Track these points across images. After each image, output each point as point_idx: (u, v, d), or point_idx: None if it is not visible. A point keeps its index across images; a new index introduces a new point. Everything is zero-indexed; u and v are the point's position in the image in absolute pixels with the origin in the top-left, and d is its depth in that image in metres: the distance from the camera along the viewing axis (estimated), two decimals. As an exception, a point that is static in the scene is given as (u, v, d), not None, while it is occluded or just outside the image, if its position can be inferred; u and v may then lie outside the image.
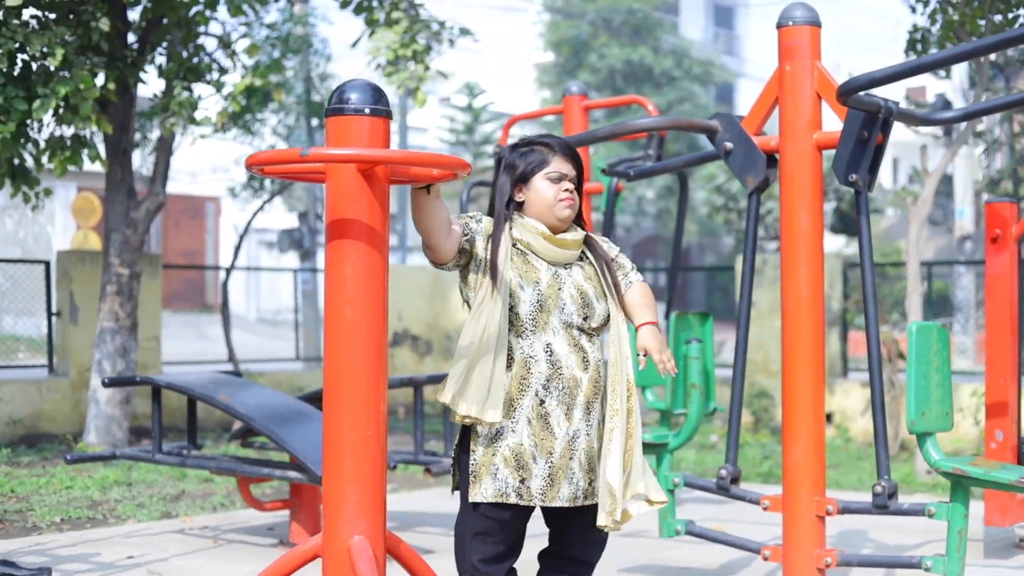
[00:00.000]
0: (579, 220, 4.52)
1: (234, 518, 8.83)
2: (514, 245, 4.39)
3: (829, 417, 14.42)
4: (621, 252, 4.63)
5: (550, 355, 4.29)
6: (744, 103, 46.89)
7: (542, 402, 4.26)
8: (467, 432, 4.33)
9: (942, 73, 21.88)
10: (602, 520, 4.27)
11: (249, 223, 15.16)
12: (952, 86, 23.75)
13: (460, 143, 32.79)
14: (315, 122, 18.23)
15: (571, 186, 4.40)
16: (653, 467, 6.40)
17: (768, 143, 5.78)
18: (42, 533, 8.12)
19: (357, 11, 12.01)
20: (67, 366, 13.16)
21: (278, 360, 18.40)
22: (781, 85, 5.69)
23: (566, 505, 4.29)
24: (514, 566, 4.42)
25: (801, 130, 5.62)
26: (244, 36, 12.41)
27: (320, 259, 21.82)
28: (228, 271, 15.18)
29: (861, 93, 5.28)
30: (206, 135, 12.82)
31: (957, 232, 23.20)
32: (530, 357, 4.28)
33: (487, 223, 4.38)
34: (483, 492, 4.25)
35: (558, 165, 4.41)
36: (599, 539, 4.48)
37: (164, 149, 12.40)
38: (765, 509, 5.73)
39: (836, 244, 31.95)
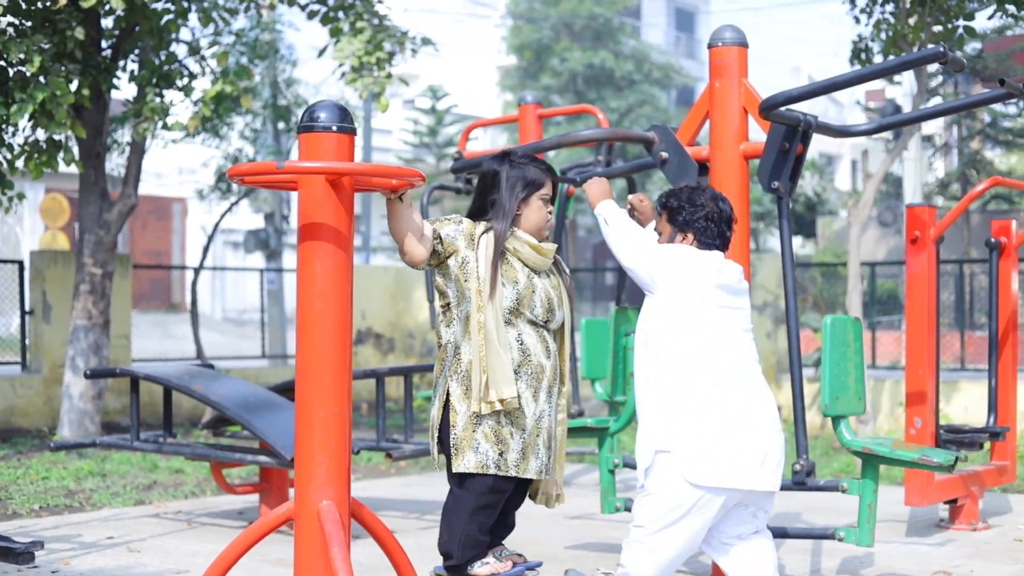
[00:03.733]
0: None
1: (206, 504, 9.33)
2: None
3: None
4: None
5: (521, 344, 4.92)
6: (704, 106, 47.41)
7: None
8: (447, 415, 5.00)
9: (898, 78, 22.53)
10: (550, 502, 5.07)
11: (217, 224, 15.61)
12: (903, 91, 24.38)
13: (423, 145, 33.24)
14: (281, 125, 18.65)
15: (551, 208, 5.04)
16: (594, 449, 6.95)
17: (700, 153, 6.33)
18: (23, 518, 8.59)
19: (324, 21, 12.48)
20: (40, 363, 13.60)
21: (244, 357, 18.85)
22: (711, 100, 6.24)
23: (534, 476, 4.94)
24: None
25: (729, 141, 6.17)
26: (213, 43, 12.87)
27: (286, 260, 22.27)
28: (197, 271, 15.64)
29: (782, 108, 5.83)
30: (177, 139, 13.27)
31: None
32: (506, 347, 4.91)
33: (468, 225, 5.01)
34: (464, 464, 4.89)
35: (549, 188, 5.06)
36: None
37: (136, 152, 12.85)
38: (696, 486, 6.26)
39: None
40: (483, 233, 4.99)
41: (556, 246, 5.13)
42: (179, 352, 20.43)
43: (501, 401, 4.79)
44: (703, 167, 6.32)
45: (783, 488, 6.09)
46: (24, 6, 11.05)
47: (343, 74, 12.36)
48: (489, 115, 37.51)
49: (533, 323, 4.95)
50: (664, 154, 6.35)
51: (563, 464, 5.13)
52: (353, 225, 4.31)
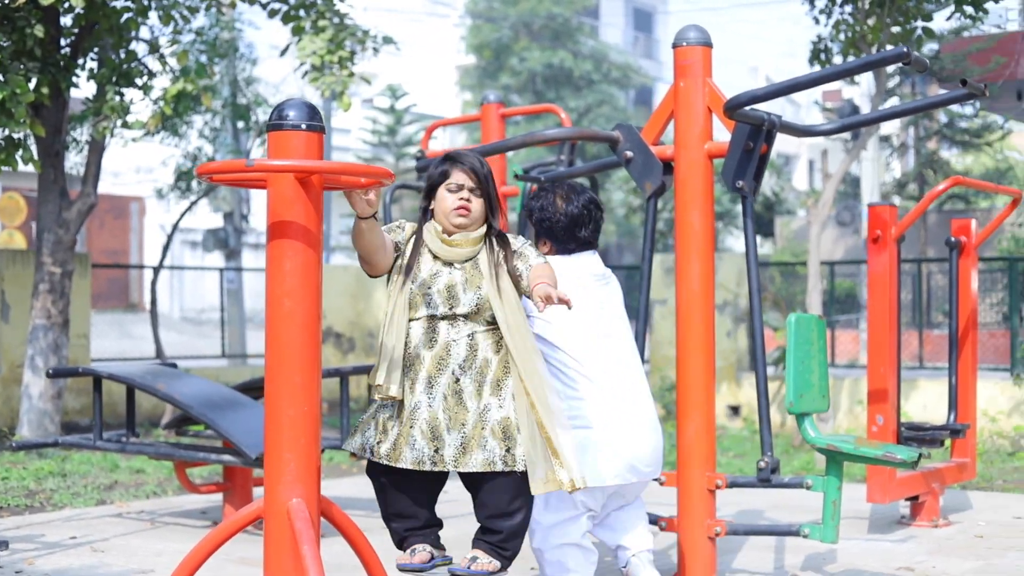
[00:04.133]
0: (493, 221, 5.09)
1: (168, 503, 9.30)
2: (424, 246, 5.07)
3: (737, 409, 15.08)
4: (528, 244, 5.16)
5: (407, 336, 4.93)
6: (663, 106, 47.52)
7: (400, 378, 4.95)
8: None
9: (857, 79, 22.67)
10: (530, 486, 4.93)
11: (177, 223, 15.55)
12: (860, 91, 24.55)
13: (383, 144, 33.15)
14: (240, 124, 18.54)
15: (468, 195, 5.00)
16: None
17: (664, 152, 6.36)
18: (-17, 519, 8.54)
19: (285, 20, 12.44)
20: (-2, 362, 13.51)
21: (204, 357, 18.76)
22: (676, 100, 6.26)
23: (411, 468, 4.88)
24: (428, 527, 5.03)
25: (694, 141, 6.20)
26: (172, 42, 12.80)
27: (245, 259, 22.18)
28: (157, 270, 15.57)
29: (746, 108, 5.87)
30: (137, 138, 13.21)
31: (864, 233, 24.07)
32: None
33: (408, 229, 5.05)
34: (351, 443, 5.01)
35: (456, 177, 5.02)
36: (503, 510, 4.95)
37: (95, 151, 12.77)
38: (661, 484, 6.31)
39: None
40: (412, 234, 5.10)
41: (479, 235, 5.05)
42: (137, 352, 20.33)
43: (377, 387, 4.90)
44: (667, 166, 6.35)
45: (749, 485, 6.15)
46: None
47: (304, 73, 12.32)
48: (448, 114, 37.51)
49: (431, 316, 4.95)
50: (629, 153, 6.37)
51: (526, 450, 4.87)
52: (323, 223, 4.31)
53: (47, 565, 6.90)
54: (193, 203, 15.76)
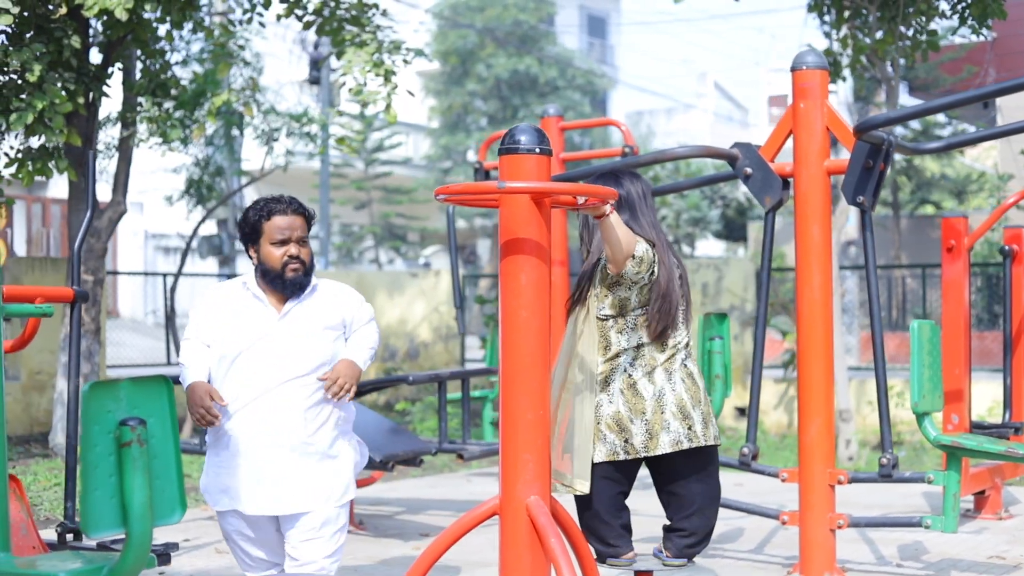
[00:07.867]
0: None
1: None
2: None
3: (743, 411, 15.49)
4: None
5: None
6: (617, 111, 48.14)
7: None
8: None
9: (831, 87, 23.07)
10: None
11: (196, 230, 15.76)
12: (838, 100, 25.04)
13: (353, 151, 33.24)
14: (235, 132, 18.65)
15: None
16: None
17: (783, 168, 6.74)
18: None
19: (320, 32, 12.66)
20: (18, 370, 13.61)
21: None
22: (795, 120, 6.65)
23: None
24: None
25: (813, 158, 6.59)
26: (202, 51, 13.01)
27: (239, 265, 22.29)
28: (176, 277, 15.77)
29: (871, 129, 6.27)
30: (175, 149, 13.43)
31: (842, 237, 24.59)
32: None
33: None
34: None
35: None
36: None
37: (124, 159, 12.94)
38: (783, 481, 6.70)
39: (720, 249, 33.29)
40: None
41: None
42: (116, 358, 20.40)
43: None
44: (785, 182, 6.73)
45: (871, 481, 6.54)
46: (24, 14, 11.10)
47: (350, 90, 12.49)
48: (416, 121, 37.76)
49: None
50: (748, 170, 6.74)
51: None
52: (551, 239, 4.63)
53: (185, 566, 7.14)
54: (211, 210, 15.96)
